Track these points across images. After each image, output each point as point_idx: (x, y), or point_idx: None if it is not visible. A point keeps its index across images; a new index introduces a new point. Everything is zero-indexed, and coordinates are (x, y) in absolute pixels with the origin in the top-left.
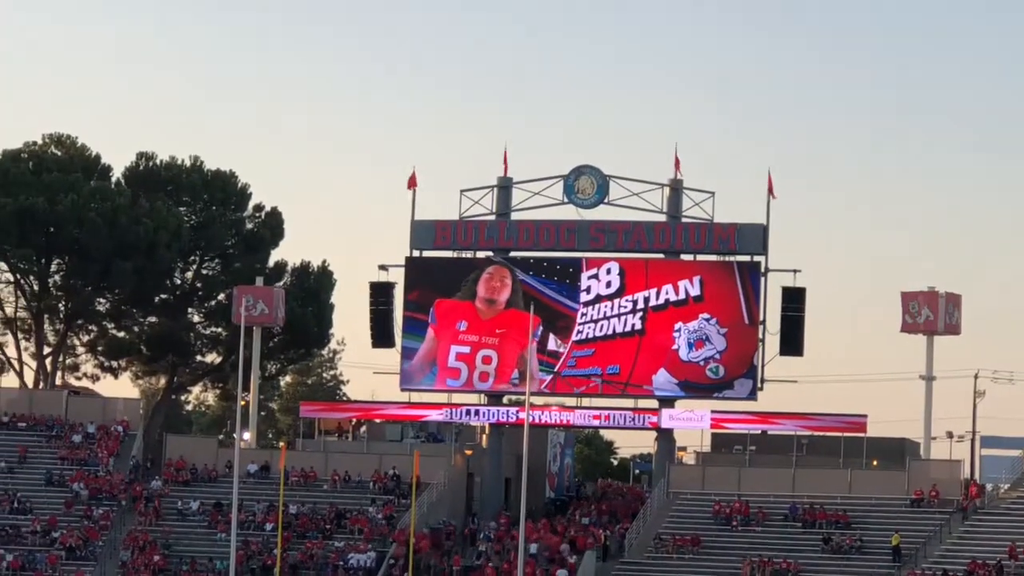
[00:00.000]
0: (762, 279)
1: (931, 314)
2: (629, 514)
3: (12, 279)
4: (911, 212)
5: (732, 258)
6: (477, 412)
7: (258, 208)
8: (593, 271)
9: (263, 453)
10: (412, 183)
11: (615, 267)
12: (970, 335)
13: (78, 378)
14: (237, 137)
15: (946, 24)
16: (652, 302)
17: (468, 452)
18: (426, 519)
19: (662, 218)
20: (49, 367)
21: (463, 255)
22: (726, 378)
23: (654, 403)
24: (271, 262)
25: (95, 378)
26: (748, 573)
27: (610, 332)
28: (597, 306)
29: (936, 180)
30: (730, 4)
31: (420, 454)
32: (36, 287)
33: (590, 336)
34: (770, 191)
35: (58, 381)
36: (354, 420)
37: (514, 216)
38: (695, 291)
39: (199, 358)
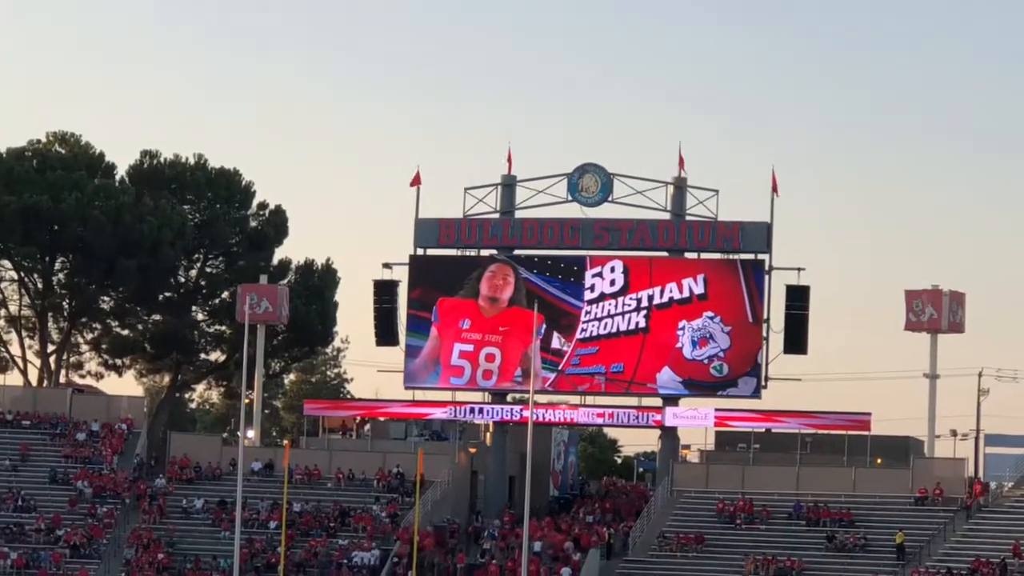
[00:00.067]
0: (766, 277)
1: (935, 312)
2: (633, 512)
3: (16, 277)
4: (915, 210)
5: (736, 256)
6: (481, 410)
7: (262, 206)
8: (597, 269)
9: (267, 451)
10: (416, 181)
11: (619, 265)
12: (974, 333)
13: (82, 376)
14: (241, 135)
15: (948, 23)
16: (656, 300)
17: (472, 450)
18: (430, 517)
19: (666, 216)
20: (53, 365)
21: (467, 253)
22: (730, 376)
23: (658, 401)
24: (275, 260)
25: (99, 376)
26: (752, 570)
27: (614, 330)
28: (601, 304)
29: (940, 178)
30: (733, 2)
31: (424, 452)
32: (40, 285)
33: (594, 334)
34: (774, 189)
35: (62, 379)
36: (358, 418)
37: (518, 214)
38: (699, 289)
39: (203, 356)
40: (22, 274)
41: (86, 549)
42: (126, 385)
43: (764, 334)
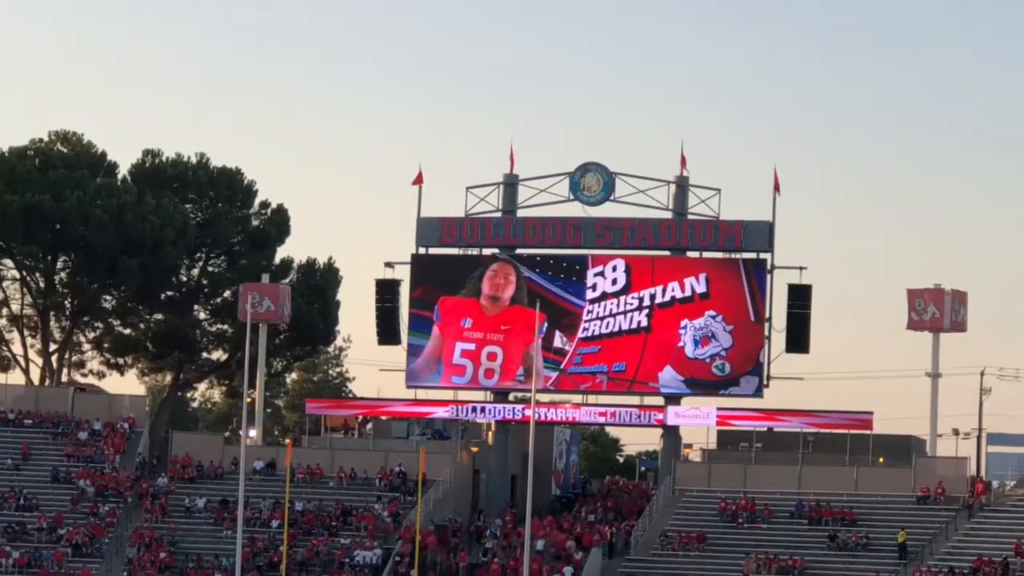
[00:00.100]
0: (768, 276)
1: (937, 311)
2: (635, 511)
3: (18, 276)
4: (917, 209)
5: (738, 255)
6: (483, 409)
7: (264, 205)
8: (599, 268)
9: (269, 450)
10: (418, 180)
11: (621, 264)
12: (976, 332)
13: (84, 375)
14: (243, 134)
15: (949, 21)
16: (658, 299)
17: (474, 449)
18: (432, 516)
19: (668, 215)
20: (55, 364)
21: (469, 252)
22: (732, 375)
23: (660, 400)
24: (277, 259)
25: (101, 375)
26: (754, 569)
27: (616, 329)
28: (603, 303)
29: (942, 177)
30: (735, 1)
31: (426, 451)
32: (42, 284)
33: (596, 333)
34: (776, 188)
35: (64, 378)
36: (360, 417)
37: (520, 213)
38: (701, 288)
39: (205, 355)
40: (24, 273)
41: (88, 548)
42: (128, 384)
43: (766, 333)
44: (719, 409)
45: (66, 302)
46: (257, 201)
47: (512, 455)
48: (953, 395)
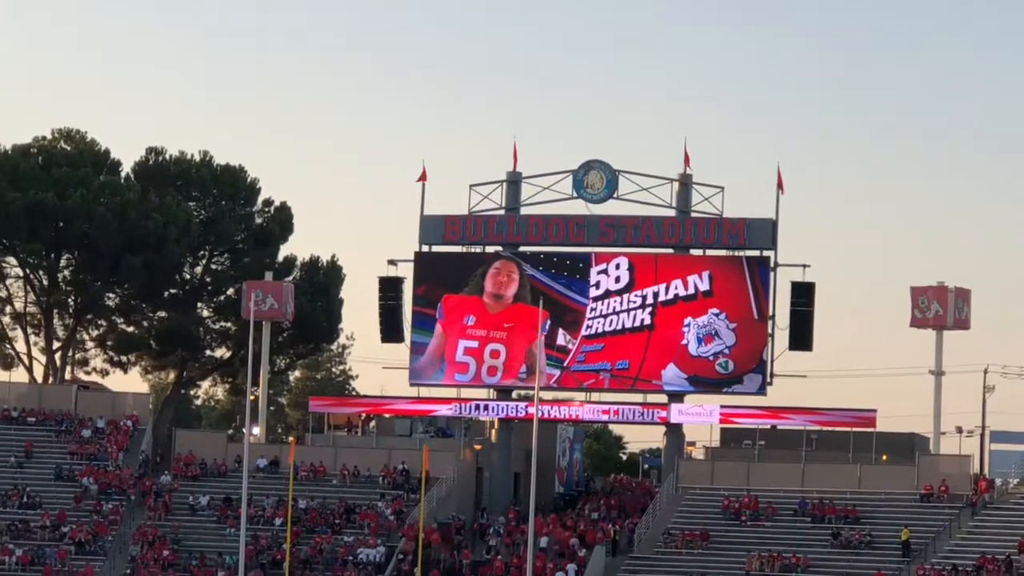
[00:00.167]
0: (771, 274)
1: (940, 309)
2: (638, 509)
3: (22, 274)
4: (920, 207)
5: (741, 253)
6: (486, 407)
7: (267, 203)
8: (602, 266)
9: (272, 448)
10: (422, 178)
11: (624, 262)
12: (980, 330)
13: (87, 373)
14: (246, 132)
15: (951, 20)
16: (661, 297)
17: (477, 447)
18: (435, 514)
19: (671, 213)
20: (58, 362)
21: (472, 250)
22: (735, 373)
23: (663, 398)
24: (280, 257)
25: (104, 373)
26: (757, 567)
27: (619, 327)
28: (606, 301)
29: (945, 175)
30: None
31: (429, 449)
32: (45, 282)
33: (599, 331)
34: (779, 186)
35: (67, 376)
36: (363, 415)
37: (523, 211)
38: (704, 286)
39: (208, 353)
40: (27, 271)
41: (91, 546)
42: (131, 382)
43: (769, 331)
44: (722, 407)
45: (69, 300)
46: (260, 199)
47: (515, 453)
48: (956, 393)
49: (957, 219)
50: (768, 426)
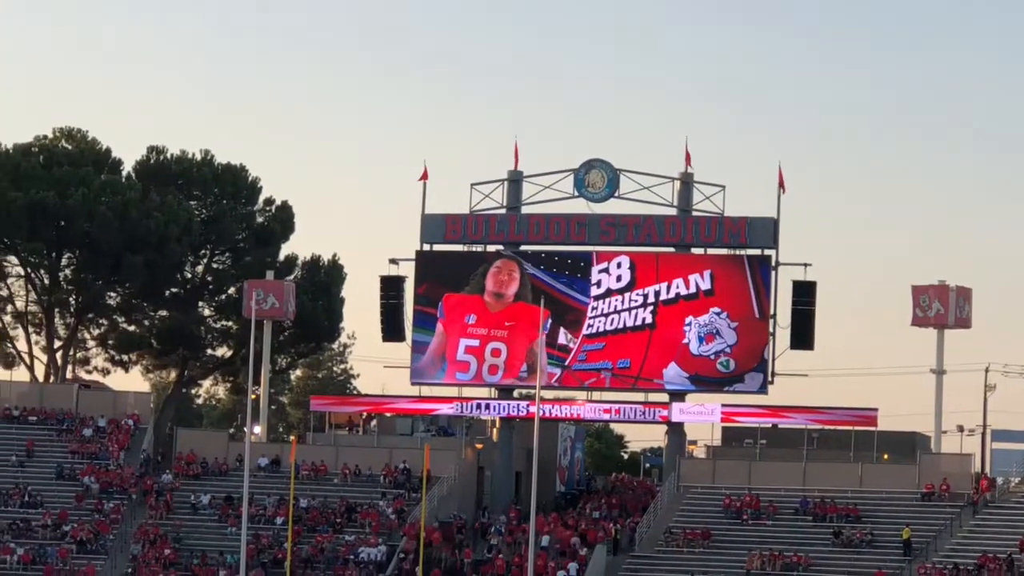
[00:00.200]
0: (772, 273)
1: (942, 308)
2: (639, 508)
3: (23, 273)
4: (922, 206)
5: (742, 252)
6: (487, 406)
7: (268, 202)
8: (603, 265)
9: (274, 447)
10: (424, 177)
11: (625, 261)
12: (981, 329)
13: (89, 372)
14: (247, 131)
15: (953, 18)
16: (663, 296)
17: (479, 446)
18: (436, 513)
19: (672, 212)
20: (60, 361)
21: (473, 249)
22: (736, 372)
23: (664, 397)
24: (281, 256)
25: (106, 372)
26: (758, 566)
27: (620, 326)
28: (608, 300)
29: (947, 174)
30: None
31: (430, 448)
32: (47, 281)
33: (600, 330)
34: (780, 185)
35: (69, 375)
36: (364, 414)
37: (524, 210)
38: (705, 285)
39: (209, 352)
40: (28, 270)
41: (93, 545)
42: (133, 381)
43: (771, 330)
44: (724, 406)
45: (71, 299)
46: (261, 198)
47: (516, 452)
48: (958, 391)
49: (958, 218)
50: (769, 425)
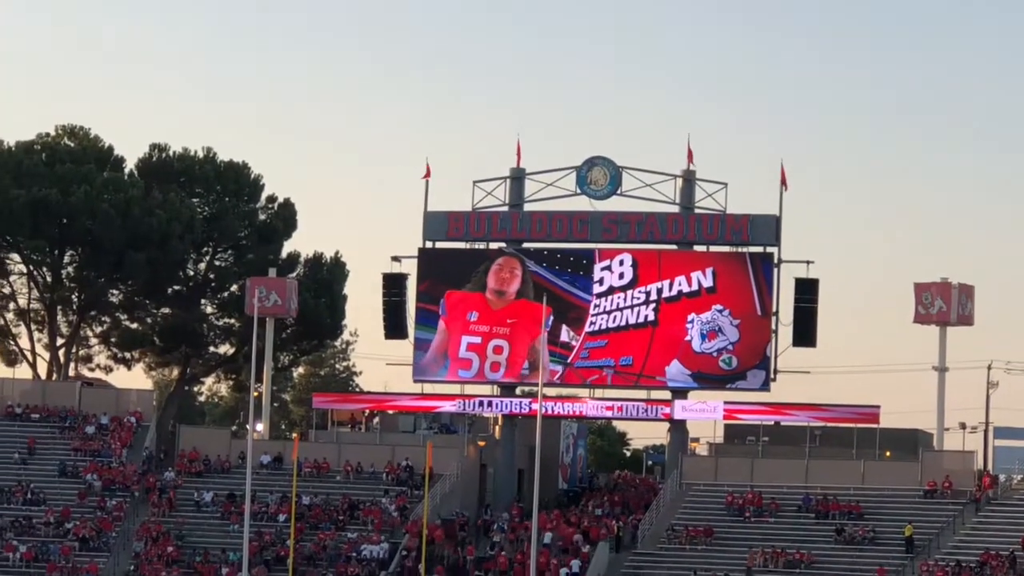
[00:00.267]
0: (775, 270)
1: (944, 305)
2: (642, 505)
3: (25, 270)
4: (924, 203)
5: (745, 249)
6: (490, 403)
7: (271, 199)
8: (606, 262)
9: (276, 444)
10: (426, 174)
11: (628, 258)
12: (983, 326)
13: (91, 369)
14: (250, 128)
15: (956, 16)
16: (665, 293)
17: (481, 443)
18: (439, 510)
19: (675, 209)
20: (62, 358)
21: (475, 246)
22: (739, 369)
23: (667, 394)
24: (284, 253)
25: (108, 369)
26: (761, 563)
27: (623, 323)
28: (610, 297)
29: (949, 171)
30: None
31: (433, 445)
32: (49, 278)
33: (603, 327)
34: (783, 182)
35: (71, 372)
36: (367, 411)
37: (527, 207)
38: (708, 282)
39: (212, 349)
40: (31, 267)
41: (95, 542)
42: (135, 378)
43: (773, 327)
44: (726, 403)
45: (73, 296)
46: (264, 195)
47: (519, 449)
48: (960, 389)
49: (961, 215)
50: (772, 422)
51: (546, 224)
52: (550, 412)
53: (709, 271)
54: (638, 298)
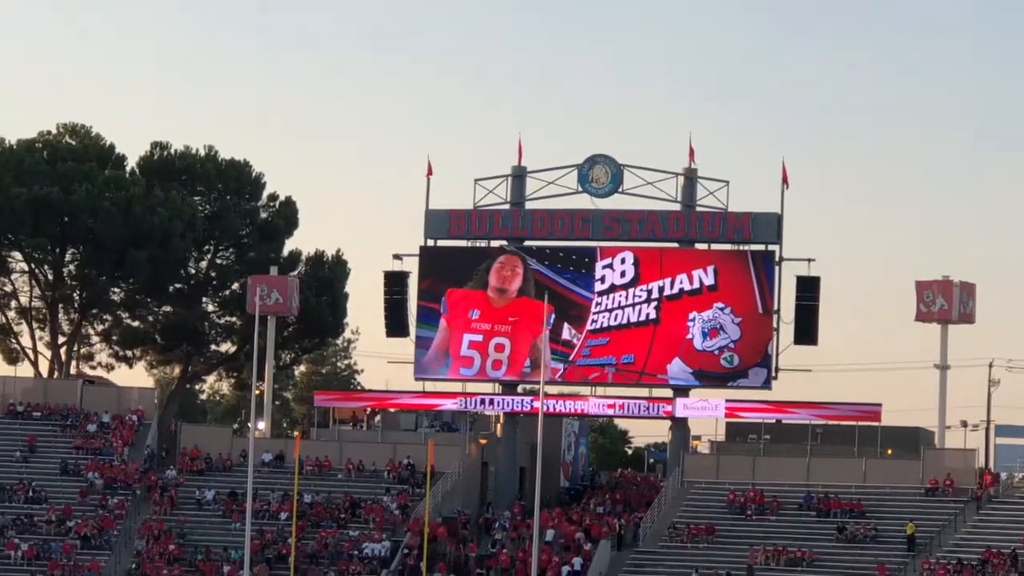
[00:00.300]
0: (776, 268)
1: (945, 303)
2: (643, 503)
3: (27, 269)
4: (925, 201)
5: (746, 247)
6: (491, 401)
7: (272, 197)
8: (607, 260)
9: (278, 442)
10: (428, 173)
11: (629, 256)
12: (984, 324)
13: (93, 367)
14: (251, 126)
15: (957, 14)
16: (666, 291)
17: (483, 441)
18: (440, 508)
19: (676, 207)
20: (64, 356)
21: (477, 244)
22: (740, 367)
23: (669, 392)
24: (285, 251)
25: (110, 367)
26: (762, 561)
27: (624, 322)
28: (612, 295)
29: (951, 169)
30: None
31: (434, 443)
32: (51, 277)
33: (604, 325)
34: (784, 180)
35: (73, 371)
36: (368, 409)
37: (528, 205)
38: (709, 280)
39: (214, 347)
40: (32, 266)
41: (97, 540)
42: (137, 376)
43: (774, 325)
44: (727, 401)
45: (75, 294)
46: (265, 193)
47: (521, 447)
48: (961, 387)
49: (962, 213)
50: (773, 420)
51: (547, 222)
52: (552, 410)
53: (710, 269)
54: (639, 296)
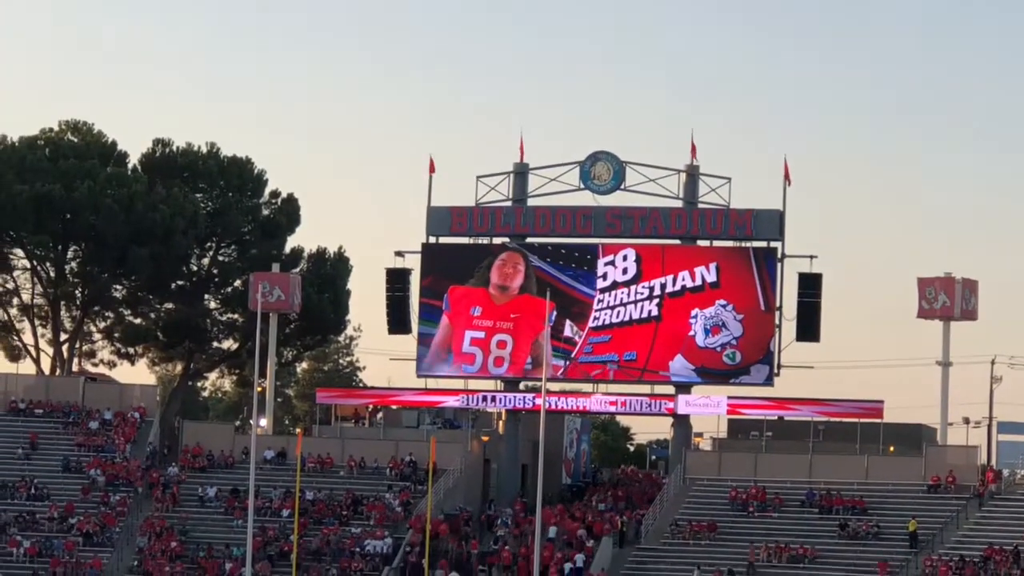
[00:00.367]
0: (778, 265)
1: (948, 300)
2: (645, 500)
3: (29, 266)
4: (928, 197)
5: (748, 244)
6: (493, 398)
7: (274, 194)
8: (609, 257)
9: (280, 439)
10: (430, 170)
11: (631, 253)
12: (987, 321)
13: (95, 364)
14: (253, 123)
15: (959, 11)
16: (668, 288)
17: (484, 438)
18: (442, 505)
19: (678, 204)
20: (66, 354)
21: (479, 241)
22: (742, 364)
23: (671, 389)
24: (287, 248)
25: (112, 364)
26: (764, 558)
27: (627, 318)
28: (614, 292)
29: (953, 166)
30: None
31: (436, 440)
32: (53, 274)
33: (607, 322)
34: (786, 177)
35: (75, 368)
36: (370, 406)
37: (530, 202)
38: (711, 277)
39: (216, 344)
40: (35, 263)
41: (99, 537)
42: (139, 374)
43: (776, 322)
44: (729, 398)
45: (77, 292)
46: (267, 190)
47: (522, 444)
48: (964, 384)
49: (964, 210)
50: (775, 417)
51: (549, 219)
52: (553, 407)
53: (713, 266)
54: (641, 293)
